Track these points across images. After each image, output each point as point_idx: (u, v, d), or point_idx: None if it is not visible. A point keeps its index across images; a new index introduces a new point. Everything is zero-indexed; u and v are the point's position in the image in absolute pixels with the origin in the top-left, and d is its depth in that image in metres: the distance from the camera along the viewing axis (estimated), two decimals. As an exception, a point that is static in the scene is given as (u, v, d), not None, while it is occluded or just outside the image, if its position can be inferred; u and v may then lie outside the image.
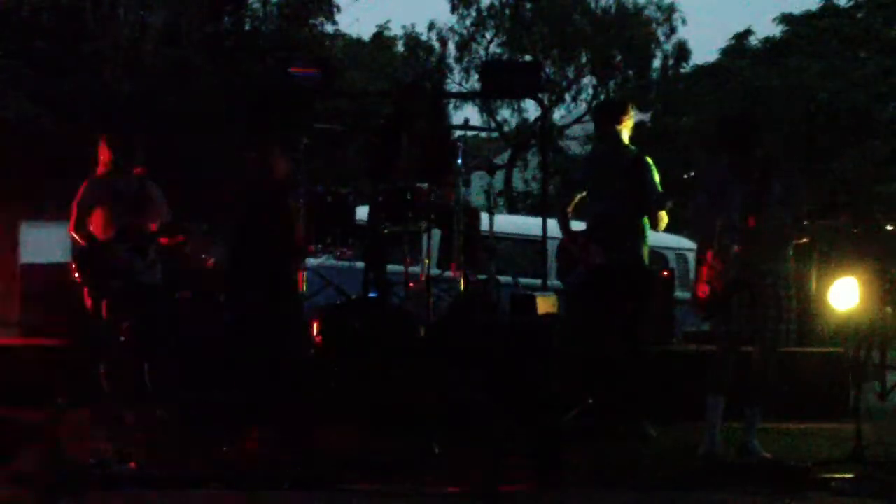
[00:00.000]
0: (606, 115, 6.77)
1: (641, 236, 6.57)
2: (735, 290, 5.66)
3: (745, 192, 5.72)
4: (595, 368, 6.48)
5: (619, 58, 28.25)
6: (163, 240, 6.62)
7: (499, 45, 28.76)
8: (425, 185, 7.16)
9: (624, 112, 6.70)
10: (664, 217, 6.53)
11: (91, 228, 6.59)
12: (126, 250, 6.48)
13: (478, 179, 11.09)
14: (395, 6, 38.58)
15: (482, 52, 28.76)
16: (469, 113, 30.64)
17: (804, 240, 5.83)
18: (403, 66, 25.95)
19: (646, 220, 6.56)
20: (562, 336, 6.89)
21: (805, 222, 5.74)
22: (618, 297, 6.43)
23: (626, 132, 6.68)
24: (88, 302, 6.51)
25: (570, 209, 6.81)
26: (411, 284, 7.43)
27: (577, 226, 6.89)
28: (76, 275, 6.45)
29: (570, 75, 28.94)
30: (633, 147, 6.76)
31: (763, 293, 5.67)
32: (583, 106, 29.10)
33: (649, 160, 6.58)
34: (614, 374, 6.40)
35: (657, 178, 6.55)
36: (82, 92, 15.89)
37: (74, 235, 6.59)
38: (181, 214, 6.94)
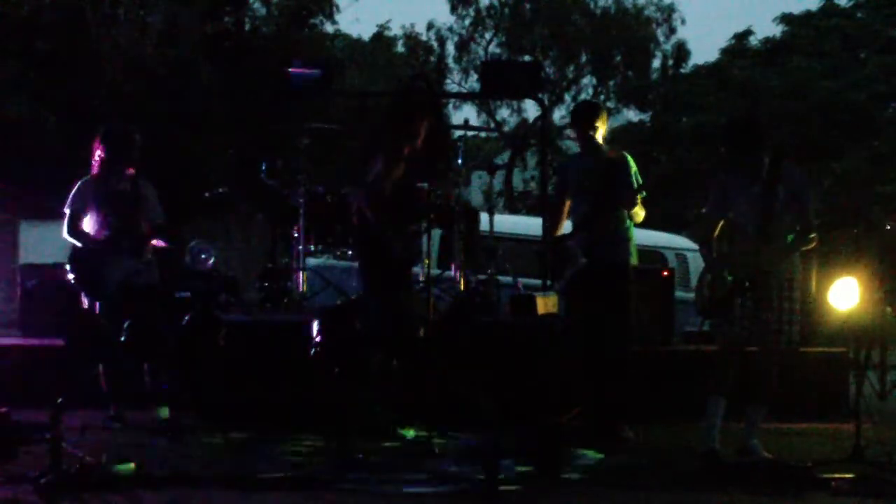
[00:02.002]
0: (583, 119, 6.74)
1: (625, 235, 6.56)
2: (737, 292, 5.66)
3: (752, 195, 5.70)
4: (581, 369, 6.47)
5: (619, 58, 28.26)
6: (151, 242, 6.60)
7: (498, 45, 28.78)
8: (425, 185, 7.15)
9: (598, 115, 6.68)
10: (640, 212, 6.52)
11: (86, 230, 6.56)
12: (121, 251, 6.46)
13: (478, 179, 11.11)
14: (395, 6, 38.53)
15: (481, 52, 28.79)
16: (469, 113, 30.63)
17: (811, 245, 5.81)
18: (404, 66, 25.94)
19: (629, 220, 6.54)
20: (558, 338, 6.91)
21: (812, 234, 5.72)
22: (600, 297, 6.42)
23: (600, 134, 6.65)
24: (86, 303, 6.50)
25: (563, 214, 6.77)
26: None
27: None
28: (71, 277, 6.44)
29: (570, 75, 28.96)
30: (607, 147, 6.74)
31: (766, 295, 5.67)
32: (583, 106, 29.04)
33: (627, 157, 6.56)
34: (596, 375, 6.39)
35: (635, 171, 6.52)
36: (82, 92, 15.91)
37: (69, 238, 6.56)
38: (180, 215, 6.92)
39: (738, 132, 5.89)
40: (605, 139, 6.74)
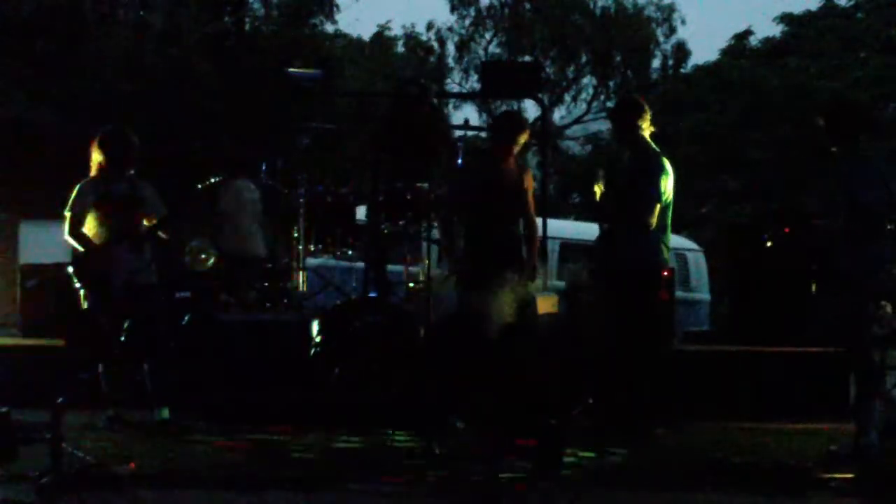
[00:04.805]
0: (626, 116, 6.67)
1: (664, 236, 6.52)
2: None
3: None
4: (610, 368, 6.41)
5: (619, 58, 28.26)
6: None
7: (498, 45, 28.77)
8: (425, 185, 7.16)
9: (642, 112, 6.61)
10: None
11: (86, 231, 6.55)
12: (123, 252, 6.45)
13: (478, 179, 11.06)
14: (395, 6, 38.53)
15: (481, 52, 28.79)
16: (469, 113, 30.62)
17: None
18: (403, 66, 25.93)
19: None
20: (572, 336, 6.88)
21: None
22: (641, 295, 6.37)
23: (646, 131, 6.58)
24: (87, 303, 6.50)
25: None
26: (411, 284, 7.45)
27: (580, 226, 6.86)
28: (75, 279, 6.44)
29: (570, 75, 28.95)
30: (655, 148, 6.63)
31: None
32: (582, 106, 29.13)
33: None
34: (630, 373, 6.32)
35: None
36: (82, 92, 15.92)
37: (71, 241, 6.55)
38: (179, 215, 6.92)
39: (846, 117, 5.89)
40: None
